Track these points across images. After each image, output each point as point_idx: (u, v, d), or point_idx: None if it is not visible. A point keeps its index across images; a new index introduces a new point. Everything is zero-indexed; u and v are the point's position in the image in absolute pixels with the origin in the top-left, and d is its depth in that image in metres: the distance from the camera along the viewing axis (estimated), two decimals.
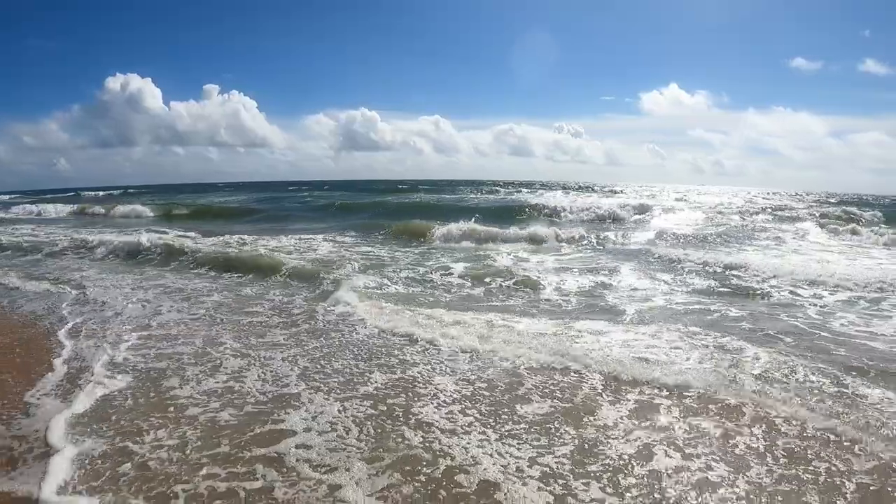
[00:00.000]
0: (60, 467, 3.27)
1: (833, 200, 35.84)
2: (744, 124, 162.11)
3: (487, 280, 9.09)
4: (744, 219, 21.58)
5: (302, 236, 15.27)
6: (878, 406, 4.10)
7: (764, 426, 3.84)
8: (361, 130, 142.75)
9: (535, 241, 13.95)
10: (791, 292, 8.21)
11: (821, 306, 7.37)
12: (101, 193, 43.98)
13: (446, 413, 4.08)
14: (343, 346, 5.70)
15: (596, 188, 52.01)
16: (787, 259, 11.33)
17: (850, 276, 8.82)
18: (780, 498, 3.03)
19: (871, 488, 3.11)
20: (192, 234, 16.08)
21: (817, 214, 22.77)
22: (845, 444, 3.58)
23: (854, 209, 23.83)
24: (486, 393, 4.47)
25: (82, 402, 4.23)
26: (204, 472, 3.26)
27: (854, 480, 3.20)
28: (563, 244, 13.75)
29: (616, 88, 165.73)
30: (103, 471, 3.26)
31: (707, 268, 10.19)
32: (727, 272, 9.76)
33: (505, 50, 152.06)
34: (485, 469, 3.30)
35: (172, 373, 4.91)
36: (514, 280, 9.00)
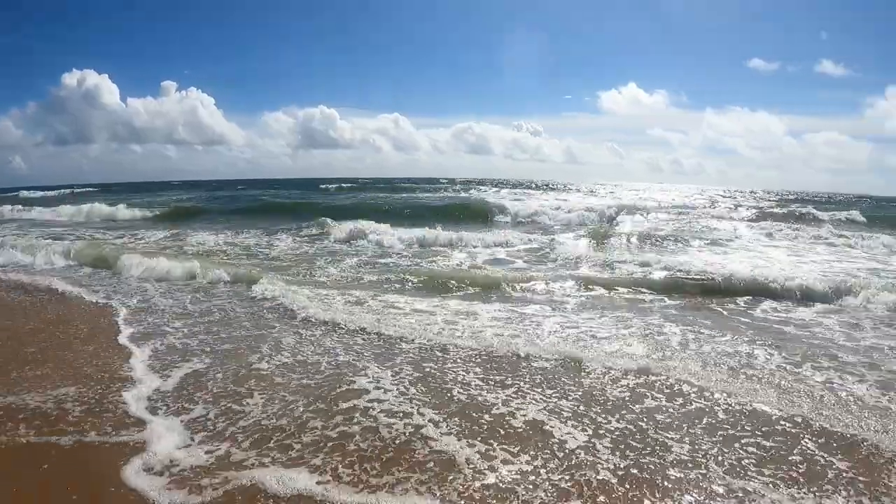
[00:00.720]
0: (177, 429, 4.03)
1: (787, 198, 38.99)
2: (702, 124, 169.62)
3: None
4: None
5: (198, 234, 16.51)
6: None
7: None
8: (320, 128, 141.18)
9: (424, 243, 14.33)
10: None
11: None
12: (39, 194, 41.87)
13: (476, 375, 5.17)
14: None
15: (558, 186, 54.84)
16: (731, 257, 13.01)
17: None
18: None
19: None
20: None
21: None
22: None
23: (811, 208, 25.73)
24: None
25: (177, 376, 5.01)
26: (311, 423, 4.09)
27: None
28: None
29: (575, 87, 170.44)
30: (224, 427, 4.03)
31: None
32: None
33: (464, 48, 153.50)
34: (524, 413, 4.39)
35: (244, 352, 5.71)
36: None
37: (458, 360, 5.46)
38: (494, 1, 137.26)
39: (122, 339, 6.14)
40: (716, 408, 4.39)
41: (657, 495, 3.20)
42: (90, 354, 5.59)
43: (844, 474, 3.43)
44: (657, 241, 14.92)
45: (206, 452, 3.66)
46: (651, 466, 3.51)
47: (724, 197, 40.87)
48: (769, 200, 36.97)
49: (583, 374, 5.12)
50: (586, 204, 25.71)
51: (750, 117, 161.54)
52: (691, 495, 3.21)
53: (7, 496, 3.08)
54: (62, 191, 46.80)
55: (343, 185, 49.43)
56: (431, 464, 3.53)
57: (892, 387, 4.82)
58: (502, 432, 3.97)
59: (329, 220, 16.64)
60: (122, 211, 24.15)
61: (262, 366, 5.29)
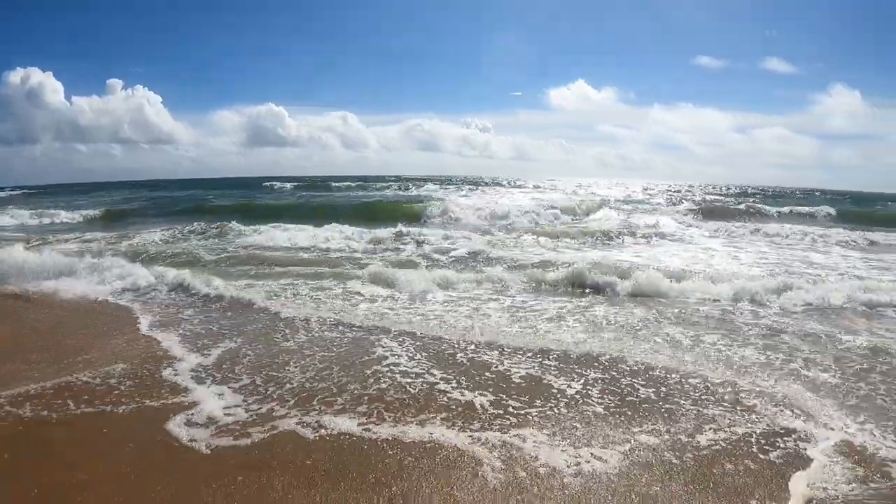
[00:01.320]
0: (225, 392, 4.84)
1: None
2: (650, 120, 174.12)
3: None
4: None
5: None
6: None
7: None
8: (269, 126, 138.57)
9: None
10: None
11: None
12: None
13: (472, 349, 6.33)
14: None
15: (503, 182, 56.30)
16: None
17: None
18: None
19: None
20: None
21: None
22: None
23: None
24: None
25: (215, 354, 5.82)
26: (349, 386, 5.00)
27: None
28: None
29: (525, 84, 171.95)
30: (271, 391, 4.86)
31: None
32: None
33: (413, 44, 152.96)
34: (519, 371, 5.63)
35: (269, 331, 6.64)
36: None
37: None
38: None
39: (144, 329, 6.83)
40: None
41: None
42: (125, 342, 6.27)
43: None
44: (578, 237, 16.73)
45: (254, 410, 4.47)
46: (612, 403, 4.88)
47: (670, 192, 43.78)
48: (706, 195, 39.09)
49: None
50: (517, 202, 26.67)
51: (697, 113, 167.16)
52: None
53: (74, 457, 3.70)
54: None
55: (287, 183, 49.11)
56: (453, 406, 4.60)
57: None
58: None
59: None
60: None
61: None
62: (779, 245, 15.90)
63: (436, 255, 12.72)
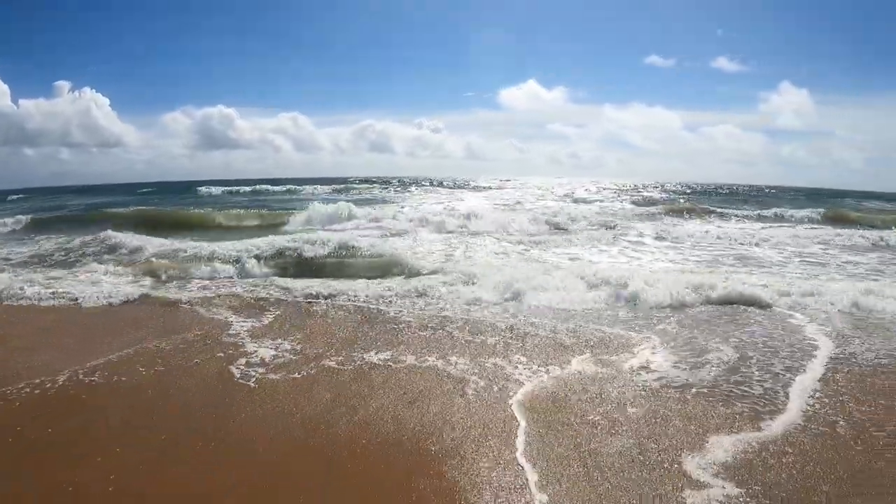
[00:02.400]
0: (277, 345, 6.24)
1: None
2: (601, 118, 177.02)
3: None
4: None
5: None
6: None
7: None
8: (219, 128, 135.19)
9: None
10: None
11: None
12: None
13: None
14: None
15: (447, 183, 56.55)
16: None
17: None
18: None
19: None
20: None
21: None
22: None
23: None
24: None
25: (267, 318, 7.39)
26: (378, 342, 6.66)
27: None
28: None
29: (476, 84, 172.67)
30: (312, 352, 6.13)
31: None
32: None
33: (363, 46, 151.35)
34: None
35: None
36: None
37: None
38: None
39: None
40: None
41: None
42: None
43: None
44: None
45: (302, 354, 6.01)
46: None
47: (614, 190, 46.54)
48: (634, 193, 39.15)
49: None
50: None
51: (648, 112, 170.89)
52: None
53: (157, 402, 5.00)
54: None
55: (224, 187, 47.87)
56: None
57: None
58: None
59: None
60: None
61: None
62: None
63: None
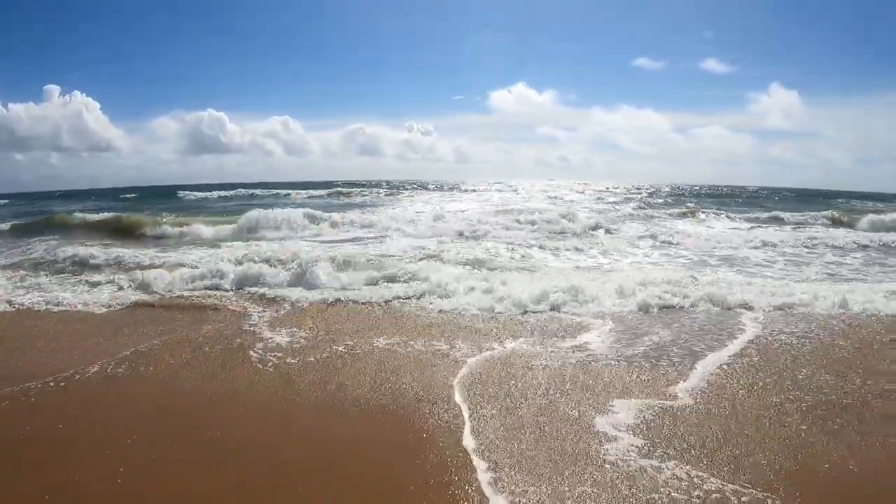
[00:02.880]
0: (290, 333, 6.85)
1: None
2: (590, 121, 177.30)
3: None
4: None
5: None
6: None
7: None
8: (209, 132, 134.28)
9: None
10: None
11: None
12: None
13: None
14: None
15: (429, 186, 55.80)
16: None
17: None
18: None
19: None
20: None
21: None
22: None
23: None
24: None
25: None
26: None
27: None
28: None
29: (466, 87, 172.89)
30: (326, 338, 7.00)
31: None
32: None
33: (351, 48, 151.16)
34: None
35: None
36: None
37: None
38: (379, 1, 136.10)
39: None
40: None
41: None
42: None
43: None
44: None
45: (310, 339, 6.70)
46: None
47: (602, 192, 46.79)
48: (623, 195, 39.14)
49: None
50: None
51: (637, 114, 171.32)
52: None
53: (187, 373, 5.79)
54: None
55: (209, 192, 47.45)
56: None
57: None
58: None
59: None
60: None
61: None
62: None
63: None
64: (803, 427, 4.31)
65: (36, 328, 7.43)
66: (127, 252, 12.29)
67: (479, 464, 3.77)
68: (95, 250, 12.37)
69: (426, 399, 4.90)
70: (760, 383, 5.21)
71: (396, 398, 4.94)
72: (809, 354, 6.06)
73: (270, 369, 5.71)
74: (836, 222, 22.50)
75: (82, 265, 11.53)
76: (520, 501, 3.35)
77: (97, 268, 11.29)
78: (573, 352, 6.18)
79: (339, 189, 50.10)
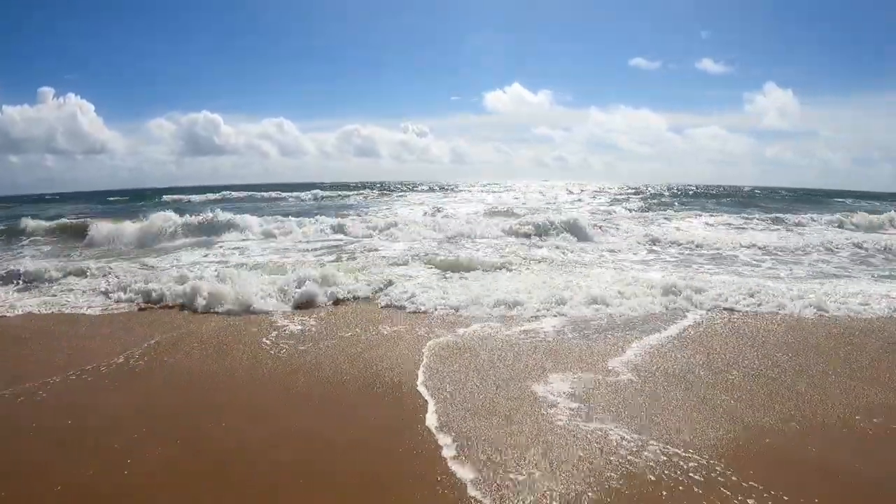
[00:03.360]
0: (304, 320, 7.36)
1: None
2: (587, 121, 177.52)
3: None
4: None
5: None
6: None
7: None
8: (204, 134, 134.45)
9: None
10: None
11: None
12: None
13: None
14: None
15: (412, 187, 55.31)
16: None
17: None
18: None
19: None
20: None
21: None
22: None
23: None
24: None
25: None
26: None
27: None
28: None
29: (462, 88, 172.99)
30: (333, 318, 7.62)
31: None
32: None
33: (347, 49, 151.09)
34: None
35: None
36: None
37: None
38: (375, 2, 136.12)
39: None
40: None
41: None
42: None
43: None
44: None
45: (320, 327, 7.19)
46: None
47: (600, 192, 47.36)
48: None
49: None
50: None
51: (633, 114, 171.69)
52: None
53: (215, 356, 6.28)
54: None
55: (201, 195, 47.12)
56: None
57: None
58: None
59: None
60: None
61: None
62: None
63: None
64: (726, 396, 4.92)
65: None
66: None
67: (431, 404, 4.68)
68: None
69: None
70: (685, 358, 5.88)
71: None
72: (743, 337, 6.70)
73: None
74: (832, 223, 22.17)
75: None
76: (463, 441, 4.03)
77: None
78: (525, 335, 6.78)
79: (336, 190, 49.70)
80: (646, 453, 3.81)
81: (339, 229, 18.09)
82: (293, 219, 20.08)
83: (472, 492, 3.40)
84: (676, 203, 31.72)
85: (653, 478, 3.51)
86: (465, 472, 3.61)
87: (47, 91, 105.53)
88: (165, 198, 43.99)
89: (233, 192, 50.38)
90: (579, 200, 35.49)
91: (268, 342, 6.56)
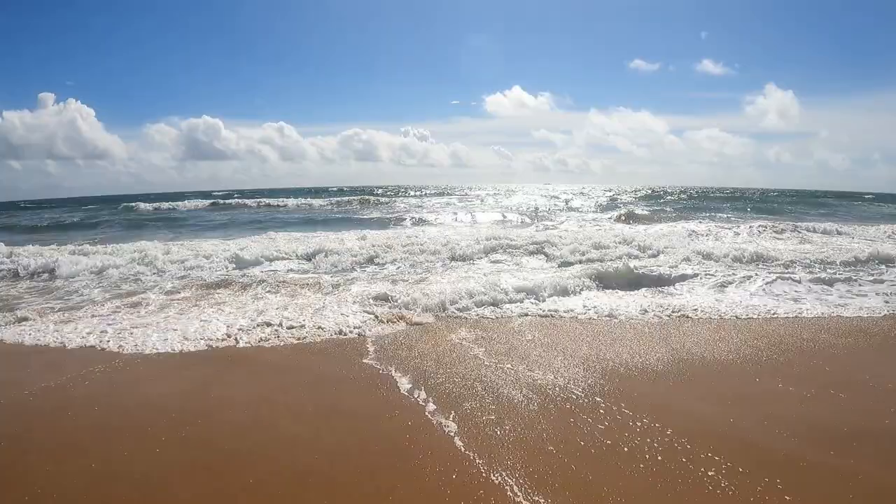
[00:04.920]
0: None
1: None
2: (587, 124, 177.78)
3: None
4: None
5: None
6: None
7: None
8: (204, 139, 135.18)
9: None
10: None
11: None
12: None
13: None
14: None
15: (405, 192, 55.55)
16: None
17: None
18: None
19: None
20: None
21: None
22: None
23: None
24: None
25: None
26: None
27: None
28: None
29: (462, 92, 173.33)
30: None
31: None
32: None
33: (347, 54, 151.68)
34: None
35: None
36: None
37: None
38: (374, 6, 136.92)
39: None
40: None
41: None
42: None
43: None
44: None
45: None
46: None
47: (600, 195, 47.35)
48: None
49: None
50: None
51: (633, 117, 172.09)
52: None
53: None
54: None
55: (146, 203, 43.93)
56: None
57: None
58: None
59: None
60: None
61: None
62: None
63: None
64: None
65: None
66: None
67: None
68: None
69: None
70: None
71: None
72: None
73: None
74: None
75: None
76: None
77: None
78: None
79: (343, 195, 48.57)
80: None
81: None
82: None
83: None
84: (667, 206, 32.15)
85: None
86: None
87: (47, 96, 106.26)
88: (143, 205, 39.16)
89: (230, 200, 47.69)
90: (584, 204, 34.99)
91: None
